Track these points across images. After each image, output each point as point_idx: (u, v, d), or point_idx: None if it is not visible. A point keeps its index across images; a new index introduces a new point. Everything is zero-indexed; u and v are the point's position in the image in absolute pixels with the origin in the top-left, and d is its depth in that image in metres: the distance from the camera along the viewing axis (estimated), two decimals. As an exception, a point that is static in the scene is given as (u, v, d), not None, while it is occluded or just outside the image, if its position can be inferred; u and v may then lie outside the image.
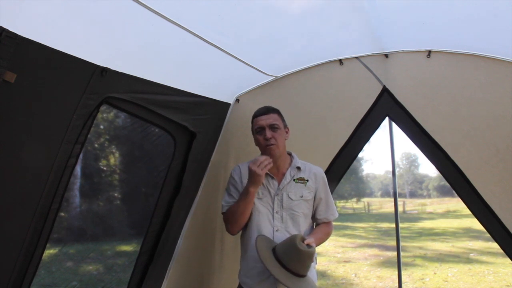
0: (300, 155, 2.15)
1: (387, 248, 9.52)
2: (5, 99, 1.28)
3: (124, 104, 1.89)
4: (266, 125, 1.99)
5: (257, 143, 2.05)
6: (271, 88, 2.73)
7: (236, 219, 1.97)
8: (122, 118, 2.21)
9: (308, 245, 1.81)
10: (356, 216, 21.30)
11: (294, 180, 2.02)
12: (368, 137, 2.57)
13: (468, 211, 2.38)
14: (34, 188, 1.51)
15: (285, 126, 2.09)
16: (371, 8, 1.87)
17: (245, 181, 2.03)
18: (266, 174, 2.02)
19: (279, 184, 2.01)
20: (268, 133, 1.97)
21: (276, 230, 1.96)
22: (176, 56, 1.98)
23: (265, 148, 2.00)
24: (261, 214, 1.98)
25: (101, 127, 2.18)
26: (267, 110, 2.04)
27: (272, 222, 1.96)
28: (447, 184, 2.42)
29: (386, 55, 2.49)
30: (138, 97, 1.92)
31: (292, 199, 1.98)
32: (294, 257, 1.77)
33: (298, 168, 2.05)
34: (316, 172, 2.07)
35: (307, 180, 2.03)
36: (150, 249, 2.34)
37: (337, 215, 2.09)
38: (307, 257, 1.79)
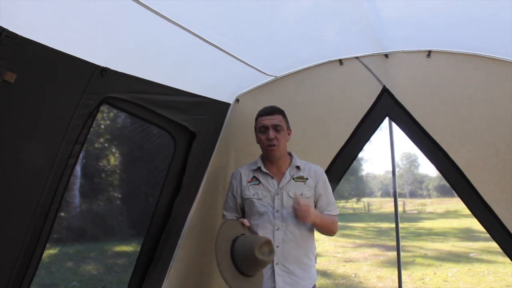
0: (300, 155, 2.15)
1: (387, 248, 9.52)
2: (5, 99, 1.28)
3: (124, 104, 1.89)
4: (270, 125, 2.00)
5: (259, 141, 2.06)
6: (271, 88, 2.73)
7: None
8: (122, 118, 2.21)
9: (271, 251, 1.76)
10: (356, 216, 21.28)
11: (293, 179, 2.03)
12: (368, 137, 2.56)
13: (468, 211, 2.38)
14: (34, 188, 1.51)
15: (288, 128, 2.10)
16: (371, 8, 1.87)
17: (245, 184, 2.04)
18: (266, 174, 2.04)
19: (278, 183, 2.02)
20: (272, 134, 1.98)
21: (277, 229, 1.96)
22: (176, 56, 1.98)
23: (266, 148, 2.01)
24: (261, 214, 1.99)
25: (102, 127, 2.18)
26: (273, 111, 2.05)
27: (272, 221, 1.97)
28: (447, 184, 2.42)
29: (386, 55, 2.49)
30: (138, 97, 1.92)
31: (292, 198, 1.98)
32: (247, 261, 1.74)
33: (298, 167, 2.06)
34: (316, 170, 2.08)
35: (307, 179, 2.04)
36: (151, 249, 2.34)
37: (337, 212, 2.10)
38: (261, 265, 1.76)
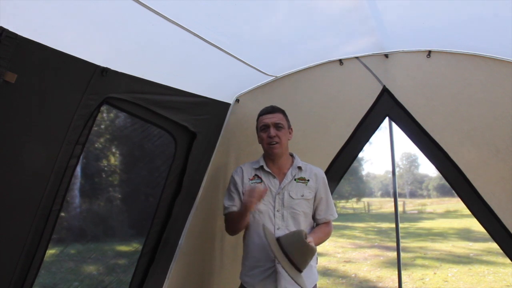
0: (300, 155, 2.16)
1: (387, 248, 9.52)
2: (5, 100, 1.28)
3: (125, 104, 1.89)
4: (271, 123, 2.02)
5: (261, 140, 2.08)
6: (271, 88, 2.73)
7: (234, 227, 2.06)
8: (122, 118, 2.21)
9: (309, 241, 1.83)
10: (356, 216, 21.27)
11: (295, 179, 2.04)
12: (368, 137, 2.57)
13: (468, 211, 2.38)
14: (35, 189, 1.50)
15: (289, 127, 2.12)
16: (371, 8, 1.88)
17: (246, 181, 2.05)
18: (268, 173, 2.05)
19: (280, 183, 2.03)
20: (273, 131, 2.00)
21: (277, 229, 1.97)
22: (176, 56, 1.98)
23: (268, 146, 2.03)
24: (262, 213, 1.99)
25: (102, 127, 2.18)
26: (273, 109, 2.08)
27: (273, 220, 1.98)
28: (447, 184, 2.42)
29: (386, 55, 2.49)
30: (138, 97, 1.92)
31: (293, 198, 2.00)
32: (299, 250, 1.78)
33: (299, 168, 2.07)
34: (317, 172, 2.09)
35: (308, 180, 2.05)
36: (152, 249, 2.34)
37: (336, 215, 2.11)
38: (311, 253, 1.81)
